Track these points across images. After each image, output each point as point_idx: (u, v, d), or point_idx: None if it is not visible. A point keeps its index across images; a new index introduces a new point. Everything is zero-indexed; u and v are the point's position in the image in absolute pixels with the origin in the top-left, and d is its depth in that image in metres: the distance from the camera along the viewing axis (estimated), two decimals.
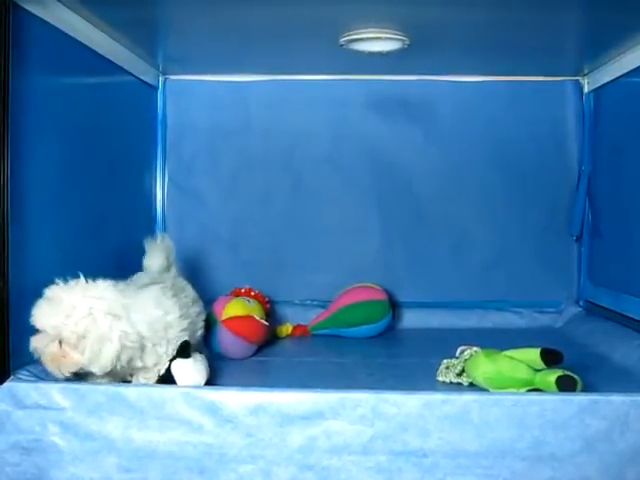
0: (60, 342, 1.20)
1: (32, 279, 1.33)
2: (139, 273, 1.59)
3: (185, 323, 1.41)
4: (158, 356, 1.32)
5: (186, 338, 1.38)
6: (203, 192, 2.22)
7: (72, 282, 1.24)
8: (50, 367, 1.22)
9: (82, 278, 1.25)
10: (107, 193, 1.77)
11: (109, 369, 1.23)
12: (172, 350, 1.34)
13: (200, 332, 1.57)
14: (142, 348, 1.29)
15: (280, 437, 1.16)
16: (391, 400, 1.15)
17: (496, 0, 1.42)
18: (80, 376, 1.25)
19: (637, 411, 1.14)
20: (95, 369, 1.22)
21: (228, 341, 1.69)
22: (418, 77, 2.16)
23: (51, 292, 1.22)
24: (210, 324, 1.71)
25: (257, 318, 1.75)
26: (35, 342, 1.22)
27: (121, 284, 1.34)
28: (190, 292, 1.58)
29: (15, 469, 1.18)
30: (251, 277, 2.07)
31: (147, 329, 1.29)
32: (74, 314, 1.20)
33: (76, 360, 1.20)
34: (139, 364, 1.30)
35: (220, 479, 1.16)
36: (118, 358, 1.23)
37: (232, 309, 1.75)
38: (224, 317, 1.72)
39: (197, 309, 1.56)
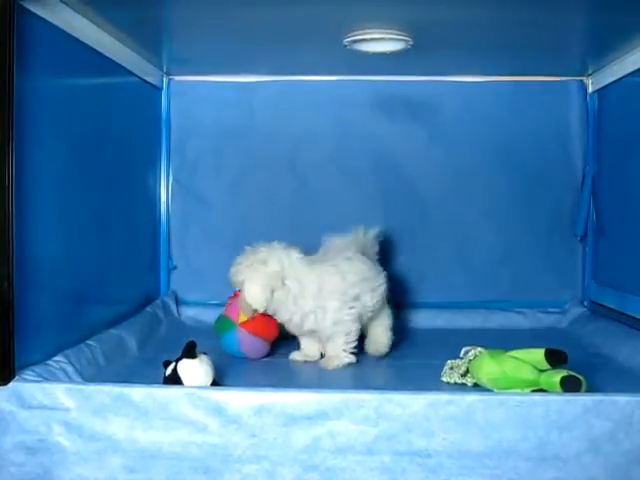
0: None
1: (36, 280, 1.33)
2: None
3: None
4: None
5: None
6: (207, 193, 2.22)
7: None
8: None
9: None
10: (111, 193, 1.77)
11: None
12: None
13: None
14: None
15: (284, 437, 1.16)
16: (395, 400, 1.15)
17: (500, 0, 1.42)
18: None
19: None
20: None
21: (248, 343, 1.70)
22: (422, 77, 2.16)
23: None
24: (224, 329, 1.72)
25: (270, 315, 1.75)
26: None
27: None
28: None
29: (20, 469, 1.18)
30: None
31: None
32: None
33: None
34: None
35: (224, 479, 1.17)
36: None
37: None
38: (241, 320, 1.71)
39: None
